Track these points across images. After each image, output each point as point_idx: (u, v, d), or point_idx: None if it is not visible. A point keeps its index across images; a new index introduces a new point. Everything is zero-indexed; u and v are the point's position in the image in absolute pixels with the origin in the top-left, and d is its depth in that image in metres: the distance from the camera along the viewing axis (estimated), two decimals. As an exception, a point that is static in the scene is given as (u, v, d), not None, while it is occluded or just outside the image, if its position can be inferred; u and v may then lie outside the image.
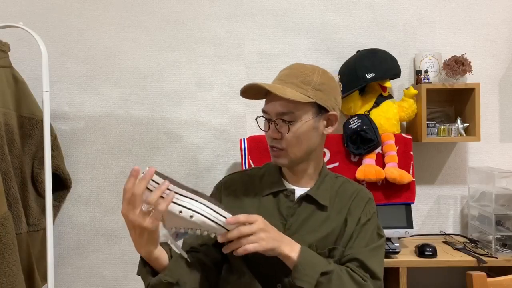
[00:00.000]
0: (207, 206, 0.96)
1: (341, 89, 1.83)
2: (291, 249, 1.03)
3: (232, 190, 1.22)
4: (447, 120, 1.92)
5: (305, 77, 1.11)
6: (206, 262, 1.13)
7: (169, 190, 0.93)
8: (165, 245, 1.03)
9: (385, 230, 1.23)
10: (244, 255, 1.00)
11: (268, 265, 1.10)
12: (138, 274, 1.07)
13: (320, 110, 1.12)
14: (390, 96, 1.86)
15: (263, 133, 1.85)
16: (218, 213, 0.96)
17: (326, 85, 1.12)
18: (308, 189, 1.18)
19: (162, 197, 0.91)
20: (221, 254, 1.16)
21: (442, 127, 1.83)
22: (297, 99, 1.07)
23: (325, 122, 1.15)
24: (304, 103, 1.09)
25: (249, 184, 1.23)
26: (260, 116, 1.17)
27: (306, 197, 1.16)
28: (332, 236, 1.14)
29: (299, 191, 1.18)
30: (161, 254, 1.00)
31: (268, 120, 1.13)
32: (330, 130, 1.17)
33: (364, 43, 1.90)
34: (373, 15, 1.95)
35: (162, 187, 0.92)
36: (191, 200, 0.95)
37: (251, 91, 1.14)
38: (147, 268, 1.02)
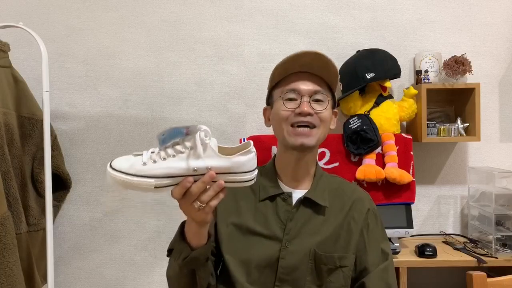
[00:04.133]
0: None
1: (341, 88, 1.84)
2: None
3: (227, 194, 1.19)
4: (447, 120, 1.92)
5: (336, 68, 1.16)
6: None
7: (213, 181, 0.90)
8: None
9: (385, 230, 1.24)
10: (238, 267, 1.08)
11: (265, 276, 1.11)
12: (170, 247, 1.06)
13: (334, 103, 1.19)
14: (390, 96, 1.86)
15: (263, 133, 1.87)
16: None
17: (337, 82, 1.20)
18: (305, 190, 1.17)
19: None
20: (217, 258, 1.16)
21: (442, 127, 1.83)
22: (338, 79, 1.17)
23: (333, 115, 1.20)
24: (329, 90, 1.17)
25: (245, 188, 1.18)
26: (285, 96, 1.14)
27: (304, 200, 1.15)
28: (332, 239, 1.13)
29: (297, 194, 1.16)
30: (205, 235, 1.00)
31: (297, 99, 1.13)
32: (333, 125, 1.21)
33: (364, 43, 1.90)
34: (373, 15, 1.95)
35: (211, 183, 0.89)
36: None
37: (289, 62, 1.13)
38: (184, 242, 1.00)
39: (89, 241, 1.97)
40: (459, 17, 1.94)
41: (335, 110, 1.21)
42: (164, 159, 0.87)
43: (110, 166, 0.86)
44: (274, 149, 1.78)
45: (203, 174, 0.87)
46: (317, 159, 1.23)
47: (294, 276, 1.10)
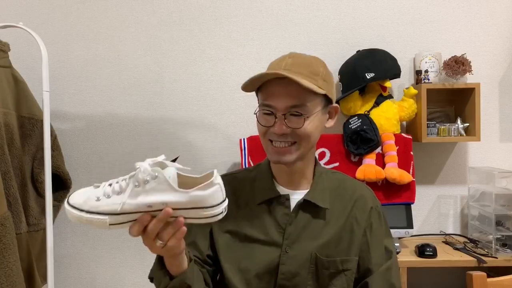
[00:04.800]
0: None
1: (341, 89, 1.84)
2: None
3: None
4: (447, 120, 1.92)
5: (313, 67, 1.03)
6: (203, 270, 1.08)
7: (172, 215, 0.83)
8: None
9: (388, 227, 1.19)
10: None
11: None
12: (151, 276, 1.02)
13: (327, 102, 1.06)
14: (390, 96, 1.86)
15: (263, 133, 1.87)
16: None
17: (329, 76, 1.06)
18: (304, 192, 1.09)
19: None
20: (215, 267, 1.11)
21: (442, 127, 1.83)
22: (315, 90, 0.98)
23: (327, 115, 1.09)
24: (315, 95, 1.00)
25: (240, 191, 1.13)
26: (261, 110, 1.04)
27: (303, 203, 1.08)
28: (333, 242, 1.07)
29: (295, 196, 1.09)
30: (183, 260, 0.94)
31: (272, 115, 1.02)
32: (331, 123, 1.11)
33: (364, 43, 1.90)
34: (373, 15, 1.95)
35: (171, 219, 0.83)
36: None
37: (257, 82, 1.03)
38: (163, 271, 0.95)
39: (89, 241, 1.97)
40: (459, 17, 1.94)
41: (333, 105, 1.09)
42: (119, 193, 0.81)
43: (67, 201, 0.82)
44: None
45: (161, 210, 0.81)
46: (315, 157, 1.15)
47: (294, 282, 1.05)
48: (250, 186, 1.12)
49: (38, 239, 1.74)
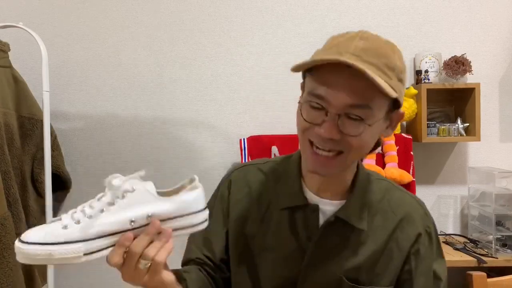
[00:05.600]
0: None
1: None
2: None
3: (244, 195, 0.94)
4: (447, 120, 1.92)
5: (389, 59, 0.76)
6: (215, 277, 0.93)
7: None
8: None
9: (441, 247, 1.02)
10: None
11: None
12: None
13: (394, 106, 0.80)
14: (390, 96, 1.86)
15: (262, 133, 1.86)
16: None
17: (405, 73, 0.80)
18: (337, 202, 0.87)
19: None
20: (228, 274, 0.96)
21: (442, 127, 1.83)
22: (389, 92, 0.72)
23: (388, 122, 0.82)
24: (384, 96, 0.74)
25: (263, 188, 0.93)
26: (308, 101, 0.77)
27: (335, 220, 0.86)
28: (366, 266, 0.87)
29: (326, 206, 0.87)
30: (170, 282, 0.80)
31: (322, 110, 0.76)
32: (390, 132, 0.84)
33: (364, 43, 1.90)
34: (373, 15, 1.94)
35: (158, 236, 0.72)
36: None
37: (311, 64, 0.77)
38: None
39: (89, 241, 1.97)
40: (459, 17, 1.94)
41: (400, 112, 0.82)
42: (91, 217, 0.68)
43: (20, 240, 0.66)
44: (274, 149, 1.77)
45: (144, 226, 0.70)
46: (357, 162, 0.90)
47: None
48: (275, 185, 0.92)
49: (38, 239, 1.73)
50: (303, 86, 0.84)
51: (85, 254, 0.67)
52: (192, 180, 0.76)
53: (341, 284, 0.87)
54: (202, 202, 0.76)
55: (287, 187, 0.90)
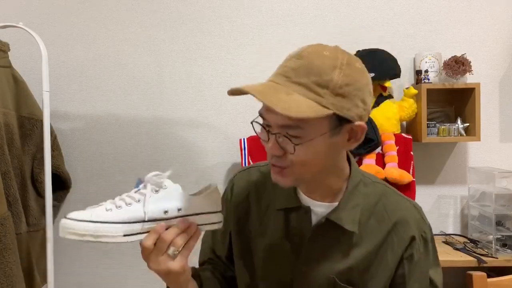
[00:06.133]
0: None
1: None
2: None
3: (245, 196, 0.98)
4: (447, 120, 1.92)
5: (321, 76, 0.77)
6: (226, 276, 1.01)
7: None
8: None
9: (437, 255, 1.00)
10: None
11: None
12: None
13: (341, 121, 0.80)
14: (390, 96, 1.86)
15: (263, 133, 1.87)
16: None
17: (351, 86, 0.78)
18: (330, 205, 0.90)
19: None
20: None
21: (442, 127, 1.83)
22: (305, 116, 0.75)
23: (347, 135, 0.83)
24: (314, 116, 0.76)
25: (263, 189, 0.97)
26: (256, 121, 0.85)
27: (326, 222, 0.89)
28: (359, 268, 0.89)
29: (318, 208, 0.90)
30: (192, 285, 0.90)
31: (267, 129, 0.82)
32: (354, 145, 0.85)
33: (364, 43, 1.90)
34: (373, 15, 1.95)
35: (186, 227, 0.81)
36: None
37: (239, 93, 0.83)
38: None
39: (89, 241, 1.97)
40: (459, 17, 1.94)
41: (359, 124, 0.81)
42: (130, 204, 0.79)
43: (66, 218, 0.76)
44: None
45: (174, 218, 0.81)
46: (349, 163, 0.94)
47: None
48: (273, 187, 0.94)
49: (38, 239, 1.74)
50: None
51: (125, 235, 0.78)
52: (210, 186, 0.87)
53: (334, 285, 0.89)
54: (219, 204, 0.86)
55: (283, 189, 0.91)
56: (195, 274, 0.92)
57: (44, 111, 1.68)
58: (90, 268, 1.98)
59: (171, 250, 0.79)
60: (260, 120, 0.84)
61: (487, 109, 1.93)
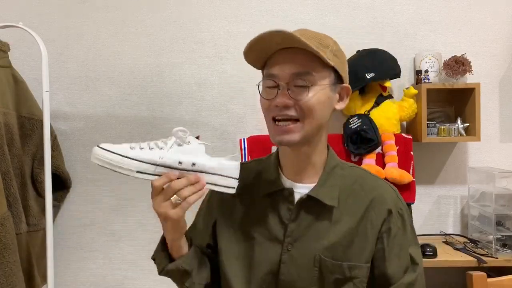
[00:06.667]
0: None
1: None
2: None
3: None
4: (447, 120, 1.92)
5: (321, 40, 0.94)
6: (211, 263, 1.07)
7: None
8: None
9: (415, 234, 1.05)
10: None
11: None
12: (153, 257, 1.02)
13: (336, 79, 0.96)
14: (390, 96, 1.86)
15: (262, 133, 1.86)
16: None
17: (341, 52, 0.98)
18: (311, 185, 0.99)
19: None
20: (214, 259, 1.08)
21: (442, 127, 1.83)
22: (323, 57, 0.90)
23: (337, 96, 0.98)
24: (322, 66, 0.92)
25: (248, 182, 1.05)
26: (264, 83, 0.97)
27: (307, 198, 0.97)
28: (342, 244, 0.96)
29: (300, 189, 0.99)
30: (184, 244, 0.98)
31: (276, 87, 0.93)
32: (342, 105, 1.00)
33: (364, 43, 1.90)
34: (373, 15, 1.94)
35: (195, 183, 0.89)
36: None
37: (259, 45, 0.94)
38: (164, 253, 0.98)
39: (89, 241, 1.97)
40: (459, 17, 1.94)
41: (344, 85, 0.99)
42: (152, 149, 0.89)
43: (98, 146, 0.89)
44: (274, 149, 1.77)
45: (187, 170, 0.89)
46: (328, 147, 1.03)
47: (296, 285, 0.96)
48: (258, 177, 1.05)
49: (38, 239, 1.74)
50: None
51: (138, 171, 0.88)
52: (233, 153, 0.97)
53: (320, 263, 0.96)
54: (237, 173, 0.94)
55: (267, 177, 1.03)
56: (187, 236, 0.99)
57: (44, 111, 1.68)
58: (90, 268, 1.98)
59: (174, 198, 0.86)
60: (267, 83, 0.95)
61: (487, 109, 1.93)
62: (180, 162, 0.88)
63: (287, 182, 1.01)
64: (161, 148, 0.89)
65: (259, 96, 0.98)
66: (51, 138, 1.72)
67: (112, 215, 1.96)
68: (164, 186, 0.87)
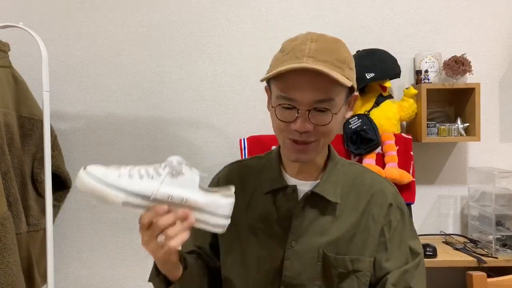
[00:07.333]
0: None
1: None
2: None
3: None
4: (447, 120, 1.92)
5: (339, 54, 0.90)
6: (209, 267, 1.06)
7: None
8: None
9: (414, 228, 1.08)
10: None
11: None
12: (150, 281, 0.99)
13: (350, 92, 0.94)
14: (390, 96, 1.86)
15: (262, 133, 1.86)
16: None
17: (353, 61, 0.95)
18: (314, 183, 1.00)
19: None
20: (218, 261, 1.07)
21: (442, 127, 1.83)
22: (346, 83, 0.87)
23: (347, 106, 0.96)
24: (342, 87, 0.89)
25: (248, 179, 1.05)
26: (280, 104, 0.90)
27: (311, 195, 0.98)
28: (345, 239, 0.97)
29: (303, 187, 0.99)
30: (178, 267, 0.92)
31: (293, 108, 0.89)
32: (351, 113, 0.99)
33: (364, 43, 1.90)
34: (373, 15, 1.95)
35: (183, 220, 0.81)
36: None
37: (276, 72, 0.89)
38: (160, 277, 0.93)
39: (89, 241, 1.97)
40: (459, 17, 1.94)
41: (356, 94, 0.97)
42: (142, 177, 0.81)
43: (84, 169, 0.81)
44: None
45: (177, 205, 0.81)
46: (328, 146, 1.03)
47: (300, 280, 0.97)
48: (258, 175, 1.05)
49: (38, 239, 1.74)
50: (268, 90, 0.99)
51: (123, 204, 0.80)
52: (228, 189, 0.88)
53: (323, 258, 0.96)
54: (230, 212, 0.86)
55: (269, 174, 1.03)
56: (181, 257, 0.94)
57: (44, 111, 1.68)
58: (90, 268, 1.98)
59: (159, 238, 0.80)
60: (283, 103, 0.90)
61: (487, 109, 1.93)
62: (170, 197, 0.81)
63: (290, 179, 1.01)
64: (152, 177, 0.81)
65: (266, 99, 0.98)
66: (51, 138, 1.72)
67: (112, 215, 1.96)
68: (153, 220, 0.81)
